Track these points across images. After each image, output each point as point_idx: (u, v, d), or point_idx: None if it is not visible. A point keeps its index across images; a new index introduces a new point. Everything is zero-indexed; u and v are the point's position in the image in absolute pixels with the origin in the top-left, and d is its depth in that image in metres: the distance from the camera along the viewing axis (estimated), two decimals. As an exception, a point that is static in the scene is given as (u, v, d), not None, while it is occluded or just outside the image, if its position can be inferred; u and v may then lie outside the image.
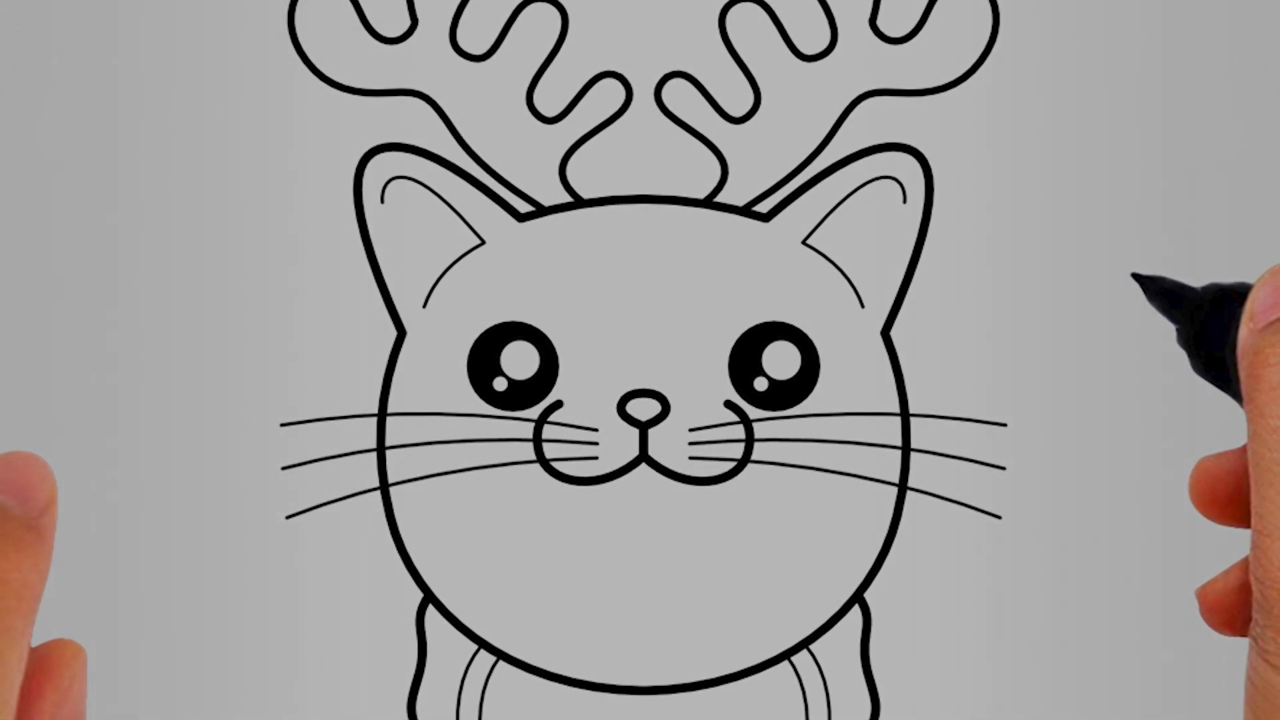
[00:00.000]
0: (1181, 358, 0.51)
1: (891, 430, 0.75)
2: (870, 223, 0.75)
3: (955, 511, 0.76)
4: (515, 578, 0.75)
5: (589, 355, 0.75)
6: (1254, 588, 0.46)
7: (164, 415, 0.75)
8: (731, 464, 0.75)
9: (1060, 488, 0.75)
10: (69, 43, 0.75)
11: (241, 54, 0.75)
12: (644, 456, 0.74)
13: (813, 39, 0.75)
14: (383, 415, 0.75)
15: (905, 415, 0.75)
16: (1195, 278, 0.51)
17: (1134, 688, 0.75)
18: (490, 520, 0.75)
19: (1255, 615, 0.46)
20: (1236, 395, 0.48)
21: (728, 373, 0.75)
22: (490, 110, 0.75)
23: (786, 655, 0.76)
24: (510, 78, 0.75)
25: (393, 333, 0.76)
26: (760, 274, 0.75)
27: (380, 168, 0.75)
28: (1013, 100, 0.75)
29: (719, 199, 0.75)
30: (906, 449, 0.75)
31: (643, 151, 0.75)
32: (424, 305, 0.75)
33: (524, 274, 0.75)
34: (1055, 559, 0.75)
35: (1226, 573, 0.49)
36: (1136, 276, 0.52)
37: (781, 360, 0.75)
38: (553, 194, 0.75)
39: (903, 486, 0.75)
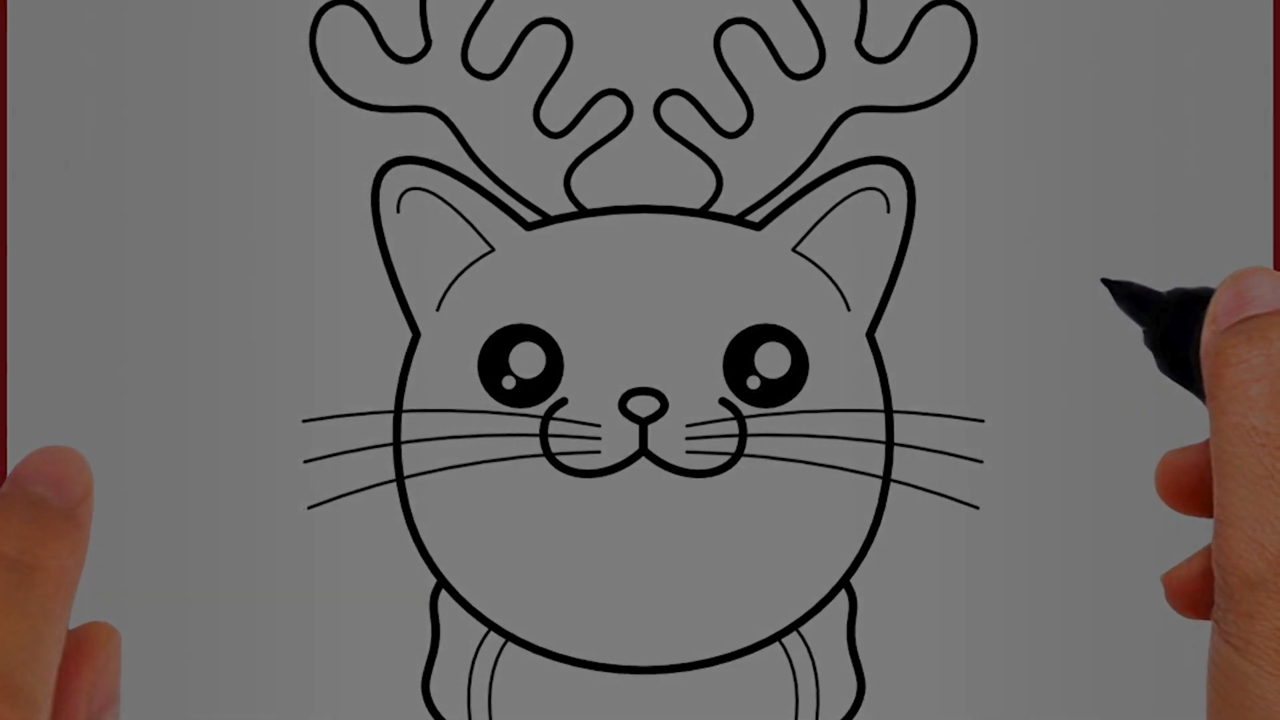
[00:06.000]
0: (1148, 358, 0.51)
1: (876, 426, 0.75)
2: (856, 231, 0.75)
3: (935, 502, 0.75)
4: (523, 564, 0.75)
5: (592, 356, 0.75)
6: (1216, 574, 0.46)
7: (194, 413, 0.75)
8: (726, 458, 0.75)
9: (1034, 480, 0.75)
10: (99, 62, 0.75)
11: (267, 74, 0.75)
12: (644, 451, 0.74)
13: (802, 59, 0.75)
14: (398, 412, 0.75)
15: (889, 412, 0.75)
16: (1161, 282, 0.51)
17: (1103, 667, 0.75)
18: (499, 511, 0.75)
19: (1217, 599, 0.45)
20: (1200, 393, 0.48)
21: (722, 372, 0.75)
22: (499, 125, 0.75)
23: (777, 637, 0.76)
24: (518, 95, 0.75)
25: (408, 334, 0.75)
26: (753, 279, 0.75)
27: (396, 180, 0.75)
28: (989, 116, 0.75)
29: (714, 209, 0.75)
30: (890, 444, 0.75)
31: (642, 164, 0.75)
32: (437, 309, 0.75)
33: (531, 279, 0.75)
34: (1029, 547, 0.75)
35: (1190, 560, 0.49)
36: (1106, 281, 0.52)
37: (773, 360, 0.75)
38: (558, 204, 0.75)
39: (886, 479, 0.75)
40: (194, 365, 0.75)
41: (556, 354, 0.75)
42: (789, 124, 0.75)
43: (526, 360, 0.75)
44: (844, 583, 0.76)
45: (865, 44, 0.75)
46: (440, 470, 0.75)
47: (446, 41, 0.75)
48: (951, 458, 0.75)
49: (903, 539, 0.76)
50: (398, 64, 0.75)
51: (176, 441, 0.75)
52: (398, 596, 0.75)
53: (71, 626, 0.42)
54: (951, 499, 0.75)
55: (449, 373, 0.75)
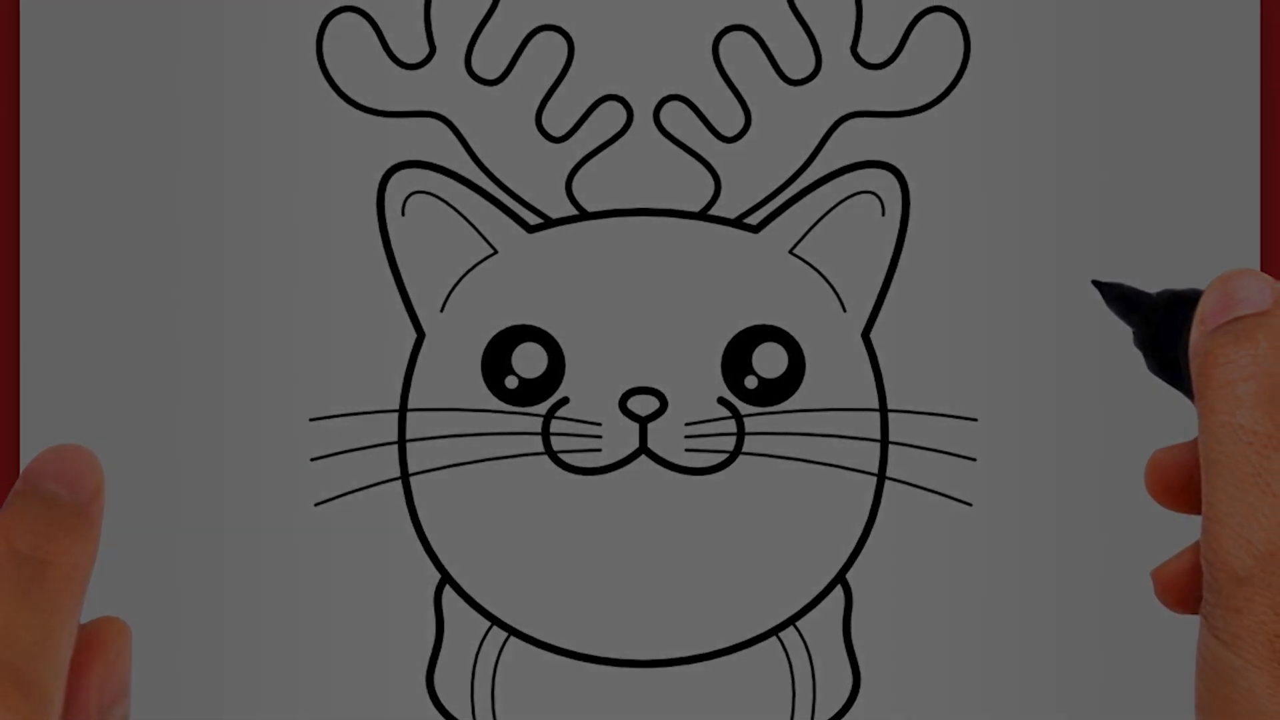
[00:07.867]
0: (1138, 358, 0.51)
1: (871, 425, 0.75)
2: (852, 234, 0.75)
3: (930, 499, 0.76)
4: (525, 560, 0.75)
5: (593, 356, 0.75)
6: (1204, 569, 0.46)
7: (205, 411, 0.75)
8: (724, 456, 0.75)
9: (1026, 478, 0.75)
10: (109, 68, 0.75)
11: (274, 80, 0.75)
12: (643, 449, 0.74)
13: (799, 65, 0.75)
14: (403, 411, 0.75)
15: (884, 411, 0.75)
16: (1150, 284, 0.51)
17: (1093, 661, 0.75)
18: (502, 507, 0.75)
19: (1205, 595, 0.46)
20: (1188, 393, 0.48)
21: (720, 372, 0.75)
22: (502, 130, 0.75)
23: (774, 632, 0.76)
24: (521, 100, 0.75)
25: (413, 335, 0.76)
26: (750, 281, 0.75)
27: (401, 183, 0.75)
28: (982, 121, 0.75)
29: (712, 212, 0.75)
30: (885, 442, 0.75)
31: (642, 168, 0.75)
32: (441, 310, 0.75)
33: (533, 281, 0.75)
34: (1021, 543, 0.75)
35: (1179, 556, 0.49)
36: (1096, 283, 0.52)
37: (770, 360, 0.75)
38: (560, 207, 0.75)
39: (881, 476, 0.75)
40: (203, 365, 0.75)
41: (558, 354, 0.75)
42: (786, 129, 0.75)
43: (529, 360, 0.75)
44: (840, 578, 0.76)
45: (861, 50, 0.75)
46: (444, 468, 0.75)
47: (450, 48, 0.75)
48: (945, 455, 0.75)
49: (898, 535, 0.76)
50: (402, 70, 0.75)
51: (186, 439, 0.75)
52: (402, 592, 0.75)
53: (83, 621, 0.42)
54: (946, 496, 0.75)
55: (453, 372, 0.75)
